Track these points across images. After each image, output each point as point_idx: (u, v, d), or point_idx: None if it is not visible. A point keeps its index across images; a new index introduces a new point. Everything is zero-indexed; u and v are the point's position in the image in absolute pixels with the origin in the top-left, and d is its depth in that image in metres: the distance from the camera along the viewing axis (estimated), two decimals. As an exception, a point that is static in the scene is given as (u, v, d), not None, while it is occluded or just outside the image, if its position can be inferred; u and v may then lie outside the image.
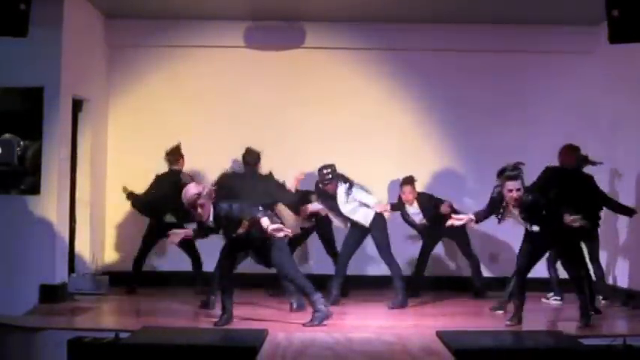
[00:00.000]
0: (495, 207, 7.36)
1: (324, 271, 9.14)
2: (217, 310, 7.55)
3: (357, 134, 9.91)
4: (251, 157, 8.59)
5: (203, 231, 7.25)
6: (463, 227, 9.11)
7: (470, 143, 9.93)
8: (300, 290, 7.50)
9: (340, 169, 9.64)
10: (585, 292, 7.47)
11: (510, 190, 7.16)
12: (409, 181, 8.96)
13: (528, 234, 7.45)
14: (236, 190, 7.92)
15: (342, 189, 8.41)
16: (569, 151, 8.43)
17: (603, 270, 8.70)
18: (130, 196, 9.18)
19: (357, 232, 8.52)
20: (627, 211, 8.41)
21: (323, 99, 10.00)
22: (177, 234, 7.34)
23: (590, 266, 8.37)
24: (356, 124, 9.90)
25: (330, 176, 8.37)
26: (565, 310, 8.26)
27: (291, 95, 10.01)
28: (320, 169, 8.41)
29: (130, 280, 9.12)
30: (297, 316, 7.79)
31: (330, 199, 8.50)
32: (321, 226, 9.10)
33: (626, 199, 8.93)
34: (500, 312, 8.07)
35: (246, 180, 8.33)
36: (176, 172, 9.09)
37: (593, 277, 8.45)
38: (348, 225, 8.58)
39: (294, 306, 8.05)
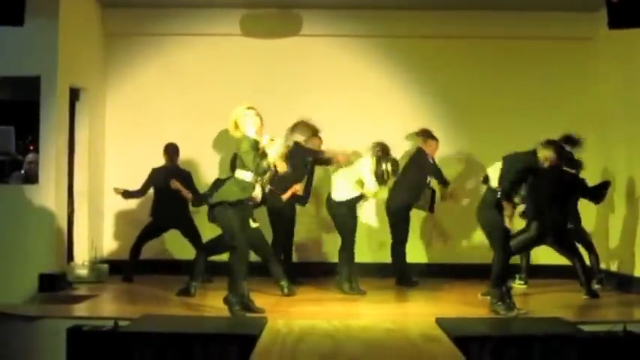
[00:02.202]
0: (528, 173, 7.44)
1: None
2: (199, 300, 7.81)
3: (357, 122, 9.89)
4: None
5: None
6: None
7: (470, 129, 9.92)
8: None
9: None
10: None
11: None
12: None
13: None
14: None
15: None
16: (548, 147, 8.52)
17: (598, 257, 8.78)
18: (126, 194, 9.18)
19: (355, 216, 8.53)
20: (601, 189, 8.54)
21: (321, 87, 9.97)
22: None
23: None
24: (355, 112, 9.89)
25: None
26: (565, 296, 8.26)
27: (289, 84, 9.97)
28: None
29: (126, 268, 9.12)
30: (296, 304, 7.82)
31: None
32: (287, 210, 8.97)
33: (620, 189, 8.98)
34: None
35: None
36: (172, 168, 9.10)
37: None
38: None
39: (285, 291, 8.17)
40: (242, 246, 7.01)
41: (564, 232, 8.19)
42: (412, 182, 9.11)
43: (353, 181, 8.47)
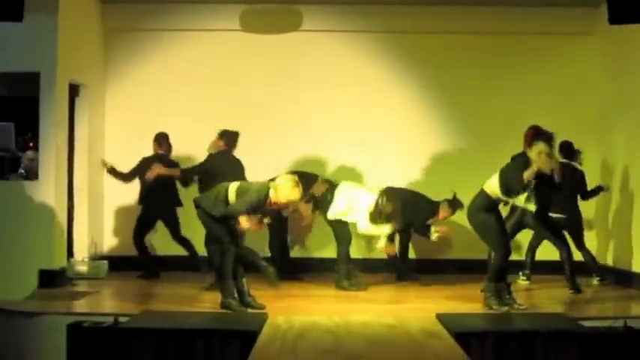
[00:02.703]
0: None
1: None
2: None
3: (357, 118, 9.88)
4: (227, 139, 8.66)
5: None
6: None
7: (470, 125, 9.90)
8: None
9: (340, 153, 9.68)
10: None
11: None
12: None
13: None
14: (216, 172, 7.97)
15: None
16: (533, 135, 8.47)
17: (591, 252, 8.79)
18: (112, 171, 9.21)
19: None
20: (596, 192, 8.85)
21: (321, 83, 9.95)
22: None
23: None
24: (355, 107, 9.87)
25: None
26: (566, 292, 8.24)
27: (289, 79, 9.95)
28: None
29: (146, 265, 9.03)
30: (297, 300, 7.80)
31: None
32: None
33: (618, 184, 8.97)
34: None
35: (225, 161, 8.40)
36: (162, 157, 9.06)
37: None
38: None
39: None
40: (231, 246, 7.10)
41: (545, 210, 8.15)
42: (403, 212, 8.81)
43: (347, 204, 8.43)
